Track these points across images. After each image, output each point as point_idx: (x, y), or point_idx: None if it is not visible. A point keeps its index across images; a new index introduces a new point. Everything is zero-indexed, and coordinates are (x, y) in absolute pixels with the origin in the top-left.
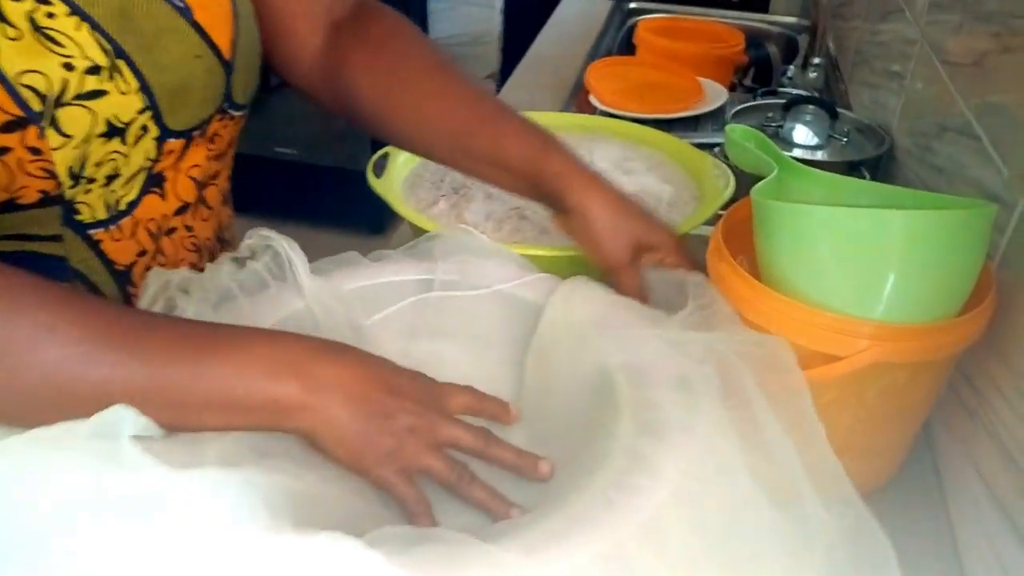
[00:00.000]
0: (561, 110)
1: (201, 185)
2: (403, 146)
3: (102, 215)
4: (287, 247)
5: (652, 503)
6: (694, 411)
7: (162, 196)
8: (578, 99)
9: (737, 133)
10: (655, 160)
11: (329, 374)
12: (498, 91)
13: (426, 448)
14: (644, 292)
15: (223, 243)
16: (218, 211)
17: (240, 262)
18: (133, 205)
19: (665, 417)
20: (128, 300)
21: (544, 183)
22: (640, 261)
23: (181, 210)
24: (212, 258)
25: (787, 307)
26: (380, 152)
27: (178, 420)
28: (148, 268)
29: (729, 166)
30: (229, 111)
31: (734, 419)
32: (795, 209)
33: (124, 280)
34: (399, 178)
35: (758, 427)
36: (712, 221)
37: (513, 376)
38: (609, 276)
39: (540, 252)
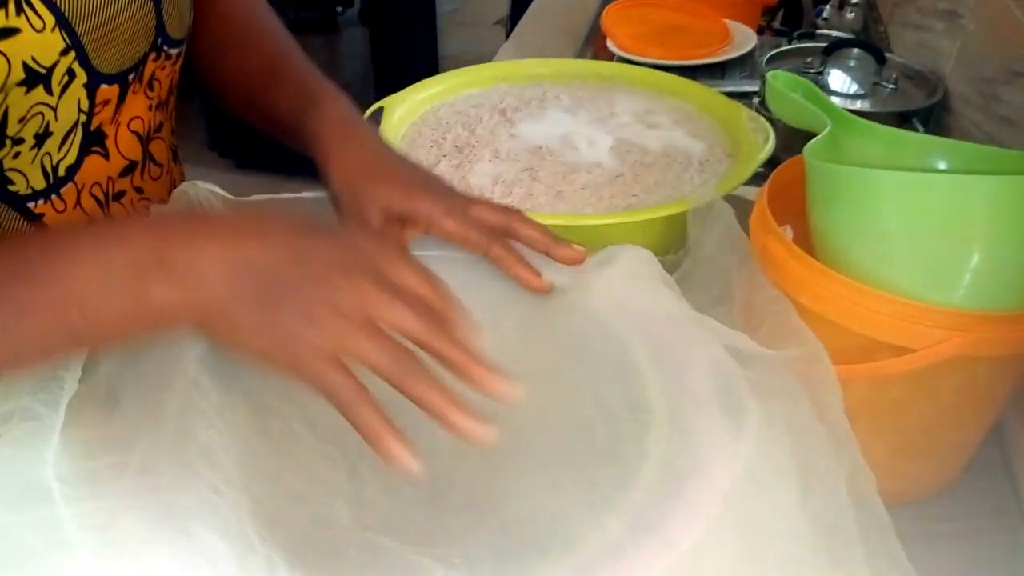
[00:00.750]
0: (576, 57)
1: (145, 140)
2: (215, 99)
3: (39, 184)
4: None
5: (687, 541)
6: (738, 418)
7: (105, 156)
8: (594, 45)
9: (781, 81)
10: (682, 112)
11: (203, 255)
12: (507, 37)
13: (350, 325)
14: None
15: None
16: (168, 168)
17: None
18: (73, 169)
19: (704, 426)
20: None
21: (304, 143)
22: (399, 233)
23: (128, 170)
24: None
25: (849, 290)
26: (374, 107)
27: (55, 340)
28: None
29: (767, 118)
30: (164, 48)
31: (777, 425)
32: (860, 175)
33: None
34: (395, 135)
35: (802, 437)
36: (751, 183)
37: (521, 361)
38: None
39: (554, 220)
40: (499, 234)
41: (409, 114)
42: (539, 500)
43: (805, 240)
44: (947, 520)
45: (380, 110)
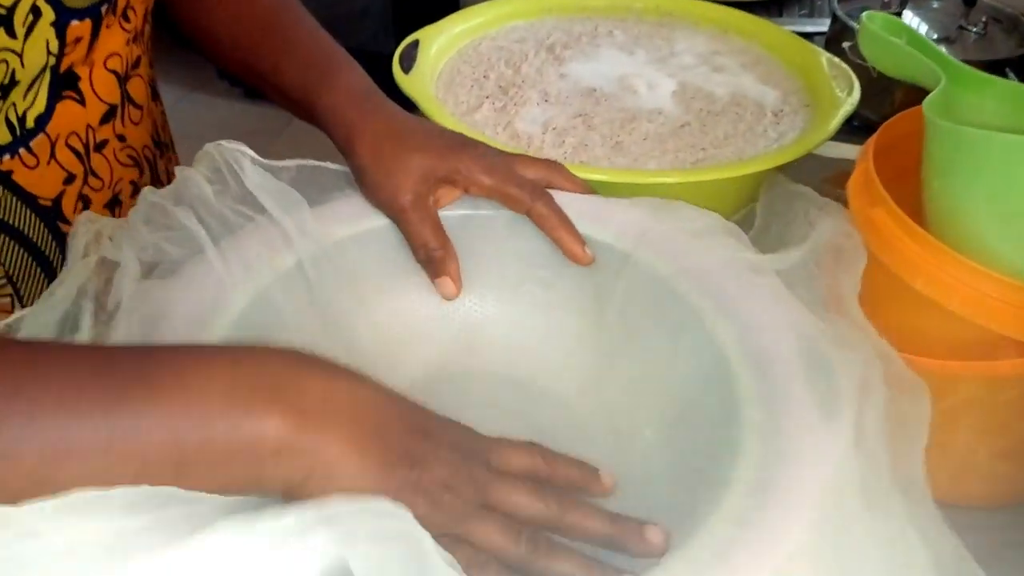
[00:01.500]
0: None
1: (124, 79)
2: (204, 54)
3: (4, 138)
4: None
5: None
6: (833, 420)
7: (80, 101)
8: None
9: (879, 23)
10: (751, 55)
11: (328, 399)
12: None
13: (475, 511)
14: (438, 236)
15: (161, 148)
16: (149, 109)
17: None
18: (44, 119)
19: (798, 414)
20: (61, 240)
21: (318, 118)
22: (431, 200)
23: (108, 116)
24: (153, 171)
25: (977, 276)
26: (409, 39)
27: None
28: (81, 198)
29: (852, 64)
30: None
31: (870, 432)
32: (998, 141)
33: (52, 217)
34: (432, 73)
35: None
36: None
37: (580, 343)
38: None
39: (615, 177)
40: (541, 191)
41: (447, 48)
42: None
43: (913, 213)
44: None
45: (415, 44)
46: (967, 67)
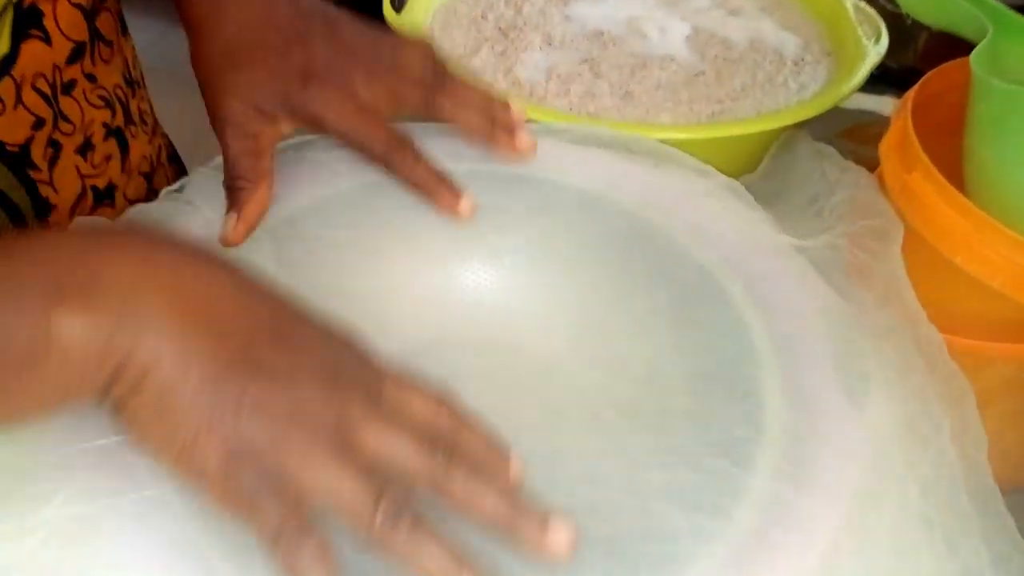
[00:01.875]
0: None
1: (91, 13)
2: None
3: None
4: None
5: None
6: (860, 384)
7: (45, 40)
8: None
9: None
10: None
11: (157, 297)
12: None
13: (322, 450)
14: (253, 166)
15: (133, 87)
16: (119, 45)
17: None
18: (9, 61)
19: (825, 397)
20: (33, 189)
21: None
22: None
23: (76, 54)
24: (125, 111)
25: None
26: None
27: None
28: (51, 143)
29: (878, 8)
30: None
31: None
32: None
33: (20, 165)
34: (426, 12)
35: (930, 422)
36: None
37: (590, 304)
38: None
39: (626, 129)
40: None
41: None
42: (626, 483)
43: (950, 178)
44: None
45: None
46: (1018, 15)
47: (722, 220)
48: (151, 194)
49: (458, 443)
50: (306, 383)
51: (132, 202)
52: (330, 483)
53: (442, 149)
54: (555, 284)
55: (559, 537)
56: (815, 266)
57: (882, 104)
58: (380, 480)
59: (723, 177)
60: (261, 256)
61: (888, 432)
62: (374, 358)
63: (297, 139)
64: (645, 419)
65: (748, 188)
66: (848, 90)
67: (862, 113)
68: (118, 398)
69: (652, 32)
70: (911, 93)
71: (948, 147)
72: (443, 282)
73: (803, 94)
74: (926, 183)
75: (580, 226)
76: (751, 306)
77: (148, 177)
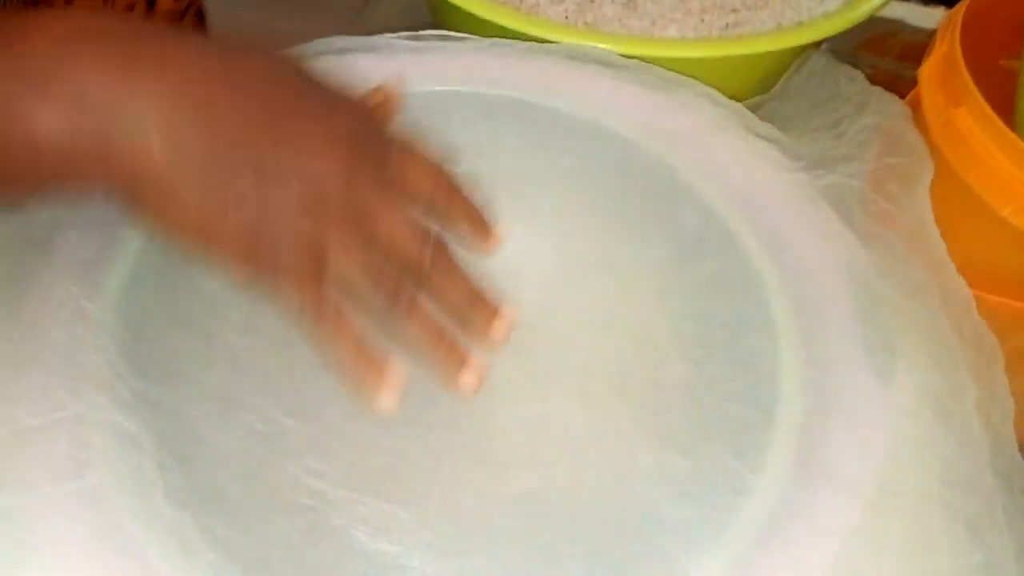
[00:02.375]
0: None
1: None
2: None
3: None
4: None
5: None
6: (890, 362)
7: None
8: None
9: None
10: None
11: (152, 75)
12: None
13: (343, 221)
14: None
15: None
16: None
17: None
18: None
19: (850, 377)
20: None
21: None
22: None
23: None
24: None
25: None
26: None
27: None
28: None
29: None
30: None
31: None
32: None
33: None
34: None
35: (957, 395)
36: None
37: (568, 267)
38: None
39: (630, 48)
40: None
41: None
42: (611, 471)
43: (1002, 114)
44: None
45: None
46: None
47: (732, 155)
48: None
49: (452, 217)
50: (321, 150)
51: None
52: (346, 261)
53: (414, 65)
54: (534, 229)
55: (501, 330)
56: (834, 204)
57: (909, 11)
58: (380, 259)
59: (736, 104)
60: None
61: (912, 411)
62: (383, 124)
63: None
64: (636, 391)
65: (762, 111)
66: (860, 13)
67: (883, 20)
68: (130, 178)
69: None
70: (960, 7)
71: (999, 75)
72: None
73: (827, 5)
74: (974, 121)
75: (568, 158)
76: (764, 258)
77: None
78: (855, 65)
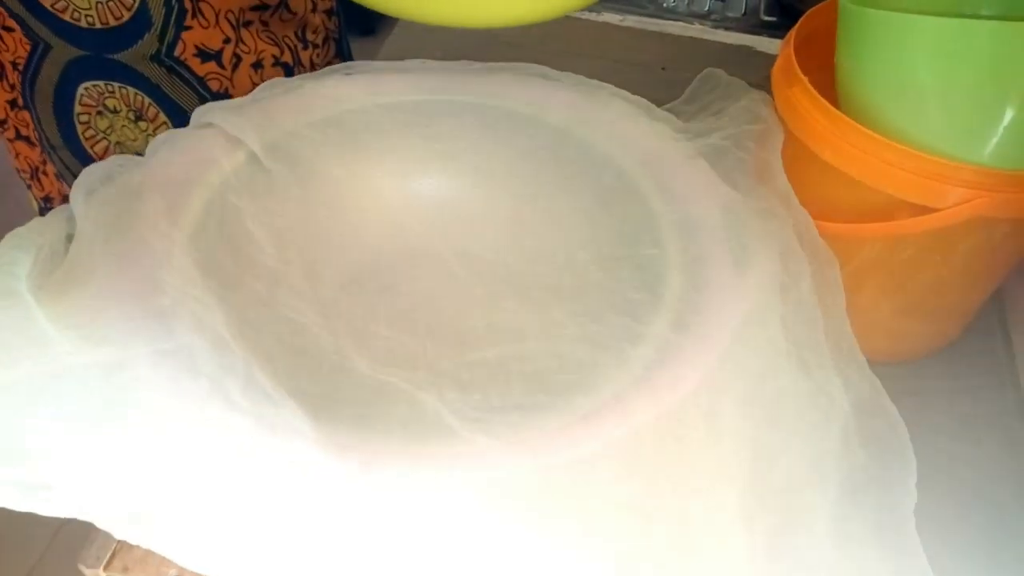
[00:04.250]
0: None
1: None
2: None
3: None
4: None
5: (698, 374)
6: (745, 257)
7: None
8: None
9: None
10: None
11: None
12: None
13: None
14: None
15: (307, 44)
16: (306, 17)
17: None
18: None
19: (716, 267)
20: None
21: None
22: None
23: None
24: (294, 55)
25: (874, 145)
26: None
27: None
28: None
29: None
30: None
31: (775, 270)
32: (898, 20)
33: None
34: None
35: (793, 281)
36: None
37: (523, 194)
38: None
39: None
40: None
41: None
42: (547, 338)
43: (830, 96)
44: (943, 378)
45: None
46: None
47: (637, 132)
48: (282, 4)
49: None
50: None
51: (261, 2)
52: None
53: (404, 82)
54: (494, 191)
55: None
56: (709, 159)
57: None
58: None
59: (641, 100)
60: (257, 174)
61: (761, 287)
62: None
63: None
64: (566, 293)
65: (672, 109)
66: None
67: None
68: None
69: None
70: (795, 27)
71: (828, 71)
72: (405, 192)
73: None
74: (802, 96)
75: (518, 141)
76: (657, 198)
77: None
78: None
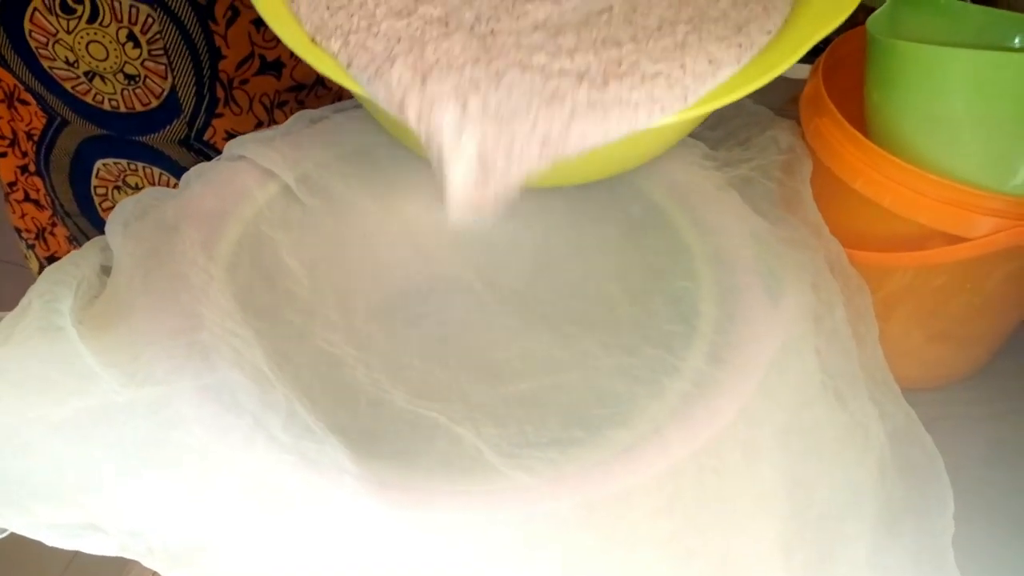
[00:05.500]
0: None
1: None
2: None
3: None
4: None
5: (735, 407)
6: (779, 288)
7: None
8: None
9: None
10: None
11: None
12: None
13: None
14: None
15: None
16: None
17: None
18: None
19: (750, 299)
20: (210, 38)
21: None
22: None
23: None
24: None
25: (905, 175)
26: None
27: None
28: (231, 8)
29: None
30: None
31: (809, 300)
32: (930, 52)
33: (204, 16)
34: None
35: (827, 310)
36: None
37: (547, 249)
38: None
39: None
40: None
41: None
42: (582, 370)
43: (858, 124)
44: (976, 404)
45: None
46: None
47: (666, 160)
48: (317, 84)
49: None
50: None
51: (298, 83)
52: None
53: None
54: (523, 222)
55: None
56: (738, 189)
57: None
58: None
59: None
60: (290, 206)
61: (795, 319)
62: None
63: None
64: (598, 326)
65: (698, 135)
66: (790, 56)
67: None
68: None
69: None
70: (822, 56)
71: (858, 100)
72: (434, 222)
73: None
74: (832, 126)
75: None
76: (687, 228)
77: None
78: (784, 114)
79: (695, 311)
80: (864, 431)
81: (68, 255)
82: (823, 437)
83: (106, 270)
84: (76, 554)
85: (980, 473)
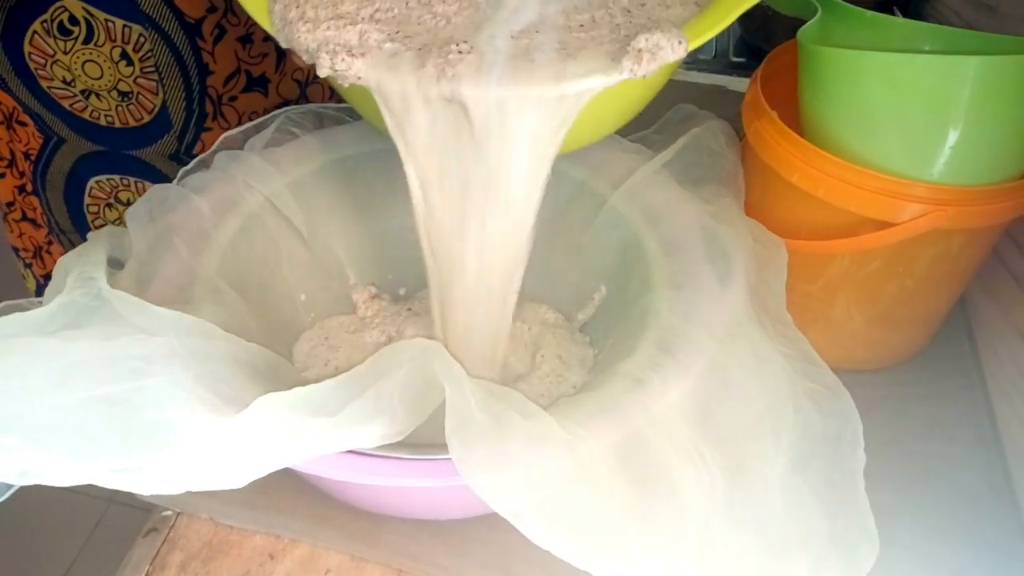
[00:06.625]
0: None
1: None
2: None
3: None
4: None
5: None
6: (724, 267)
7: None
8: None
9: None
10: None
11: None
12: None
13: None
14: None
15: None
16: None
17: None
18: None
19: (701, 291)
20: (198, 55)
21: None
22: None
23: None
24: None
25: (836, 168)
26: None
27: None
28: (218, 26)
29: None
30: None
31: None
32: (849, 56)
33: (193, 33)
34: None
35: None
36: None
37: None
38: None
39: None
40: None
41: None
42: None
43: (793, 125)
44: (916, 384)
45: None
46: (839, 1)
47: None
48: (302, 99)
49: None
50: None
51: (284, 99)
52: None
53: None
54: None
55: None
56: (677, 177)
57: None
58: None
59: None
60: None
61: (741, 298)
62: None
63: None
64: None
65: (642, 138)
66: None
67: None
68: None
69: None
70: (761, 66)
71: (793, 104)
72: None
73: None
74: (770, 126)
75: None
76: (640, 221)
77: (301, 84)
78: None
79: (651, 293)
80: (777, 365)
81: (76, 247)
82: (744, 365)
83: (111, 261)
84: (103, 516)
85: (919, 446)
